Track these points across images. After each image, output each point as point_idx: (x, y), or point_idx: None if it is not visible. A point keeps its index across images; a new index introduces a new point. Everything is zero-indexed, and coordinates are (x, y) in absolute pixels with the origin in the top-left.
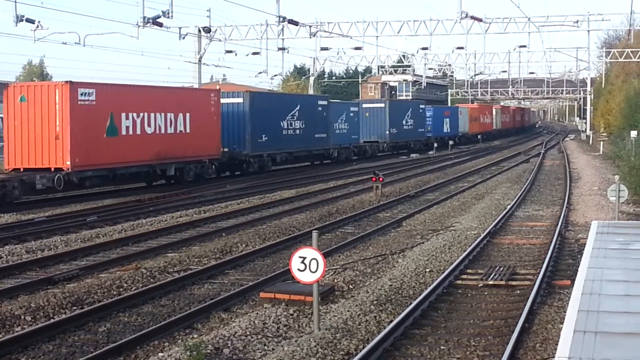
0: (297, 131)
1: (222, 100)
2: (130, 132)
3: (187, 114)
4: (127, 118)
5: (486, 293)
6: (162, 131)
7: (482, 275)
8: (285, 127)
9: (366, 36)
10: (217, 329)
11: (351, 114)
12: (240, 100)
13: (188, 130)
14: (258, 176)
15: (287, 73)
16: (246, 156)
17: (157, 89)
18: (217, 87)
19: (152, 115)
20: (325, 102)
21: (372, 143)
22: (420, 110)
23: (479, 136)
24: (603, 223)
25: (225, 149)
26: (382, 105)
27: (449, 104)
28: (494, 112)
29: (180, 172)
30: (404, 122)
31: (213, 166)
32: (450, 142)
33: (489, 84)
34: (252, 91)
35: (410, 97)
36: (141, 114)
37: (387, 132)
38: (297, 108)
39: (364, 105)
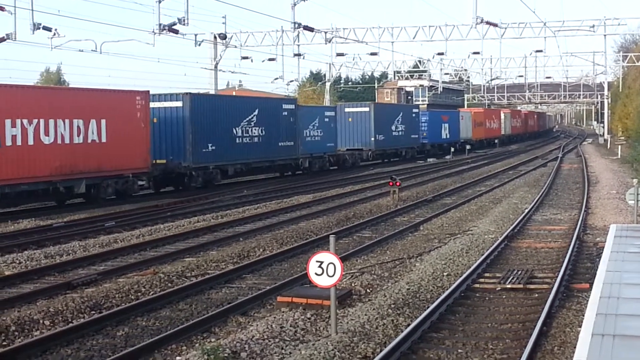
0: (256, 139)
1: (157, 105)
2: (19, 143)
3: (103, 120)
4: (13, 125)
5: (504, 296)
6: (66, 141)
7: (500, 278)
8: (240, 134)
9: (382, 42)
10: (234, 332)
11: (326, 119)
12: (179, 104)
13: (104, 140)
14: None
15: (303, 79)
16: (186, 169)
17: (58, 91)
18: (233, 93)
19: (52, 122)
20: (292, 106)
21: (354, 151)
22: (414, 115)
23: (495, 141)
24: (622, 226)
25: (161, 161)
26: (367, 109)
27: (465, 109)
28: (502, 117)
29: (96, 189)
30: (393, 127)
31: (140, 181)
32: (468, 147)
33: (506, 89)
34: (193, 94)
35: (426, 102)
36: (35, 121)
37: (373, 138)
38: (255, 113)
39: (347, 110)
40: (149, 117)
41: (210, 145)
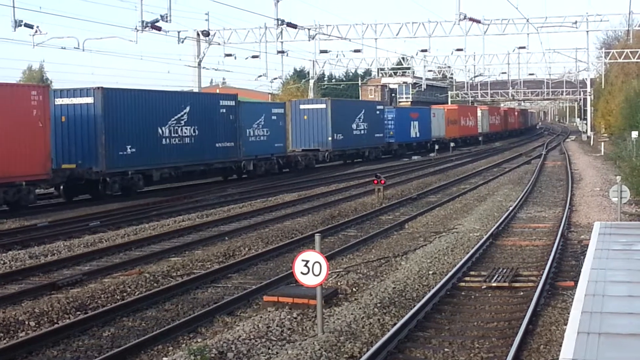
0: (187, 139)
1: (66, 101)
2: None
3: None
4: None
5: (489, 295)
6: None
7: (485, 277)
8: (167, 134)
9: (365, 38)
10: (221, 332)
11: (273, 117)
12: (89, 100)
13: None
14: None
15: (287, 76)
16: (99, 174)
17: None
18: (217, 90)
19: None
20: (231, 102)
21: (309, 152)
22: (378, 112)
23: (479, 138)
24: (605, 224)
25: (69, 166)
26: (323, 105)
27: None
28: (479, 114)
29: None
30: (354, 126)
31: (40, 189)
32: (452, 144)
33: (489, 86)
34: (107, 88)
35: (410, 99)
36: None
37: (330, 138)
38: (186, 110)
39: (302, 106)
40: (49, 115)
41: (129, 147)
